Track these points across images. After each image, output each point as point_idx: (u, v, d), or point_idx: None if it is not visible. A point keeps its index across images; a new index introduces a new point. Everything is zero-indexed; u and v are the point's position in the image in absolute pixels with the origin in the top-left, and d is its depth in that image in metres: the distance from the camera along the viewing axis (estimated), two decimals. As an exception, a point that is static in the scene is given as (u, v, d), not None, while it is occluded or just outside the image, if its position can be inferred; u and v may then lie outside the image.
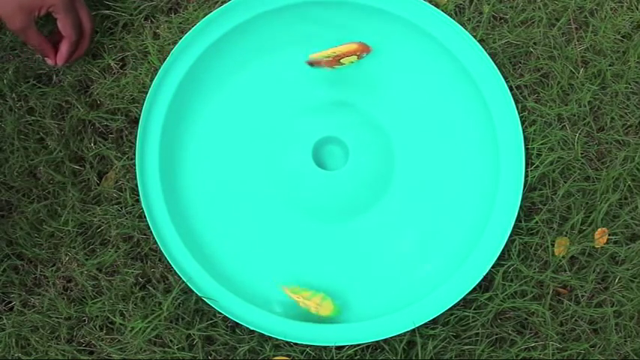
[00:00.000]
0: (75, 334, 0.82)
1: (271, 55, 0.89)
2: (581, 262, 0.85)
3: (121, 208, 0.84)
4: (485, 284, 0.83)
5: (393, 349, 0.80)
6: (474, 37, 0.87)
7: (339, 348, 0.80)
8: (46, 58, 0.82)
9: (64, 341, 0.81)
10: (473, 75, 0.86)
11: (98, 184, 0.86)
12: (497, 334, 0.82)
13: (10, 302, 0.83)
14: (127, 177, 0.85)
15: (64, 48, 0.81)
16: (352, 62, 0.85)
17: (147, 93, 0.84)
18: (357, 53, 0.83)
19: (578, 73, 0.90)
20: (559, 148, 0.87)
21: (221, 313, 0.80)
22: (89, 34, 0.83)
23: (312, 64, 0.85)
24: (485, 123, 0.86)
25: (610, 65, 0.90)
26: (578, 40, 0.91)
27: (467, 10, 0.90)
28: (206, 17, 0.86)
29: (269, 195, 0.86)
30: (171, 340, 0.80)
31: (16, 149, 0.85)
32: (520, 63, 0.90)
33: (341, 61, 0.84)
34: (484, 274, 0.81)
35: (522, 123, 0.86)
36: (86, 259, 0.83)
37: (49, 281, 0.83)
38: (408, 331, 0.80)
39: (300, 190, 0.86)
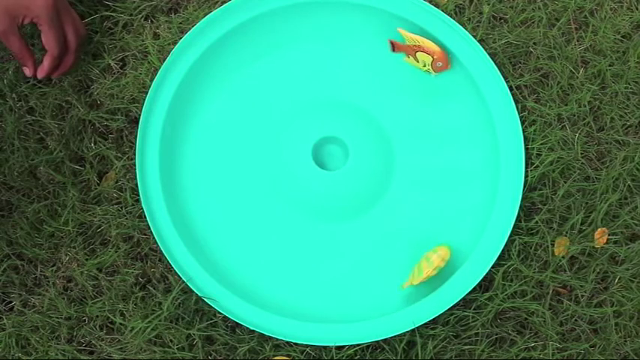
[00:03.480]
0: (75, 334, 0.82)
1: (271, 55, 0.89)
2: (581, 262, 0.85)
3: (121, 208, 0.84)
4: (486, 284, 0.83)
5: (393, 349, 0.80)
6: (474, 37, 0.87)
7: (339, 348, 0.80)
8: (24, 67, 0.81)
9: (64, 341, 0.81)
10: (473, 75, 0.86)
11: (98, 184, 0.86)
12: (497, 334, 0.82)
13: (10, 302, 0.83)
14: (127, 177, 0.85)
15: (45, 62, 0.80)
16: (425, 66, 0.86)
17: (147, 93, 0.84)
18: (434, 56, 0.84)
19: (578, 73, 0.90)
20: (559, 148, 0.87)
21: (221, 313, 0.80)
22: (74, 51, 0.82)
23: (394, 45, 0.86)
24: (485, 123, 0.86)
25: (610, 65, 0.90)
26: (578, 40, 0.91)
27: (467, 10, 0.90)
28: (206, 17, 0.86)
29: (269, 195, 0.86)
30: (171, 340, 0.80)
31: (16, 149, 0.85)
32: (520, 63, 0.90)
33: (417, 55, 0.85)
34: (484, 274, 0.81)
35: (522, 123, 0.86)
36: (86, 259, 0.83)
37: (49, 281, 0.83)
38: (408, 331, 0.80)
39: (300, 190, 0.86)
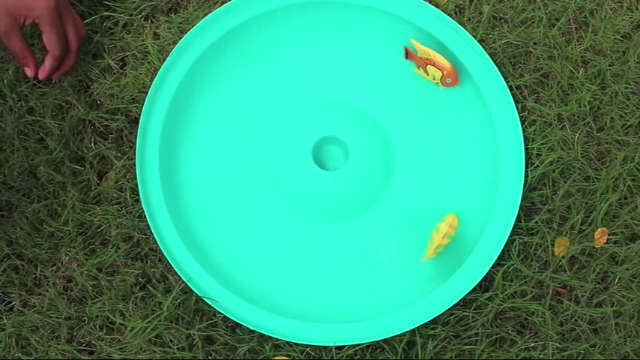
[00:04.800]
0: (75, 334, 0.82)
1: (271, 55, 0.89)
2: (581, 262, 0.85)
3: (121, 208, 0.84)
4: (486, 284, 0.83)
5: (393, 349, 0.80)
6: (474, 37, 0.87)
7: (339, 348, 0.80)
8: (25, 68, 0.82)
9: (64, 341, 0.81)
10: (473, 75, 0.86)
11: (98, 184, 0.86)
12: (497, 334, 0.82)
13: (10, 302, 0.83)
14: (127, 177, 0.85)
15: (47, 62, 0.81)
16: (434, 80, 0.86)
17: (147, 93, 0.84)
18: (444, 72, 0.83)
19: (578, 73, 0.90)
20: (559, 148, 0.87)
21: (221, 313, 0.80)
22: (75, 51, 0.82)
23: (407, 52, 0.86)
24: (485, 123, 0.86)
25: (610, 65, 0.90)
26: (578, 40, 0.91)
27: (467, 10, 0.90)
28: (206, 17, 0.86)
29: (269, 195, 0.86)
30: (171, 340, 0.80)
31: (16, 149, 0.85)
32: (520, 63, 0.90)
33: (427, 68, 0.85)
34: (484, 274, 0.81)
35: (522, 123, 0.86)
36: (86, 259, 0.83)
37: (49, 281, 0.83)
38: (408, 331, 0.80)
39: (300, 190, 0.86)
